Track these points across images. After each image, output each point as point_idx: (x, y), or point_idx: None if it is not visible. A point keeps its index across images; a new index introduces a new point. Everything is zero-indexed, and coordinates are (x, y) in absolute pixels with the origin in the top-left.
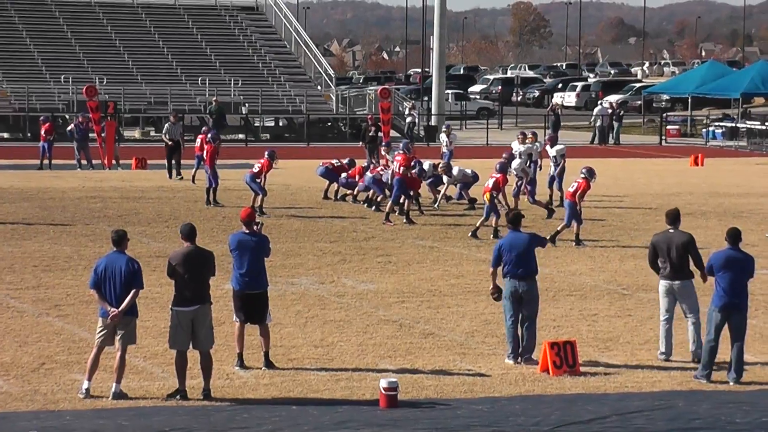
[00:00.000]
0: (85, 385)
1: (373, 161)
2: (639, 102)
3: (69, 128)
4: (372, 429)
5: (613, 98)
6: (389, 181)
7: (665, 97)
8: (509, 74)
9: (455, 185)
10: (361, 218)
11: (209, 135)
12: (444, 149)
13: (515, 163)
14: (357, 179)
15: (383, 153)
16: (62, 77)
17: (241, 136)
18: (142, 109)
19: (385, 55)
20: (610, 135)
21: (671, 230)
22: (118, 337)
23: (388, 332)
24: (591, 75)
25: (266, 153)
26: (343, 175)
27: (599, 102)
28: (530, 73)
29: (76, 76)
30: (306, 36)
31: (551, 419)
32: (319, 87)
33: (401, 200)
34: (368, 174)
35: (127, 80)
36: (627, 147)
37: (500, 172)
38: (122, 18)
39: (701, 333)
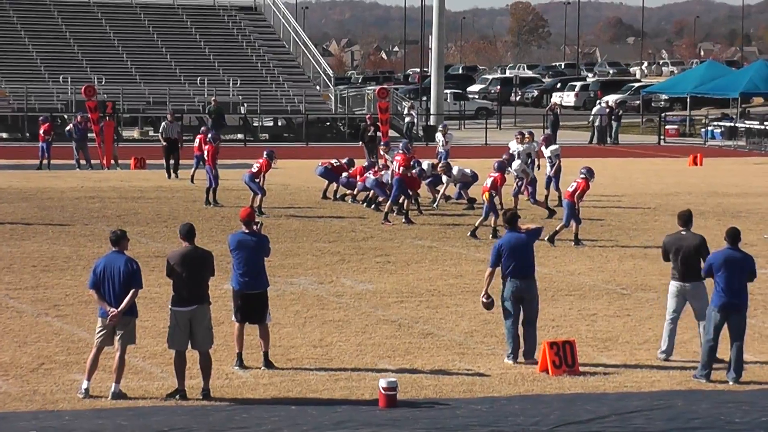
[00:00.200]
0: (85, 385)
1: (373, 161)
2: (638, 102)
3: (68, 128)
4: (371, 429)
5: (612, 98)
6: (389, 182)
7: (664, 96)
8: (508, 74)
9: (454, 185)
10: (359, 218)
11: (209, 135)
12: (440, 149)
13: (515, 164)
14: (358, 179)
15: (382, 153)
16: (61, 77)
17: (239, 136)
18: (140, 109)
19: (384, 55)
20: (608, 135)
21: (683, 232)
22: (117, 337)
23: (387, 332)
24: (590, 75)
25: (265, 153)
26: (344, 174)
27: (598, 102)
28: (529, 73)
29: (74, 76)
30: (304, 36)
31: (550, 419)
32: (317, 87)
33: (400, 200)
34: (371, 176)
35: (126, 80)
36: (626, 147)
37: (498, 171)
38: (121, 18)
39: None
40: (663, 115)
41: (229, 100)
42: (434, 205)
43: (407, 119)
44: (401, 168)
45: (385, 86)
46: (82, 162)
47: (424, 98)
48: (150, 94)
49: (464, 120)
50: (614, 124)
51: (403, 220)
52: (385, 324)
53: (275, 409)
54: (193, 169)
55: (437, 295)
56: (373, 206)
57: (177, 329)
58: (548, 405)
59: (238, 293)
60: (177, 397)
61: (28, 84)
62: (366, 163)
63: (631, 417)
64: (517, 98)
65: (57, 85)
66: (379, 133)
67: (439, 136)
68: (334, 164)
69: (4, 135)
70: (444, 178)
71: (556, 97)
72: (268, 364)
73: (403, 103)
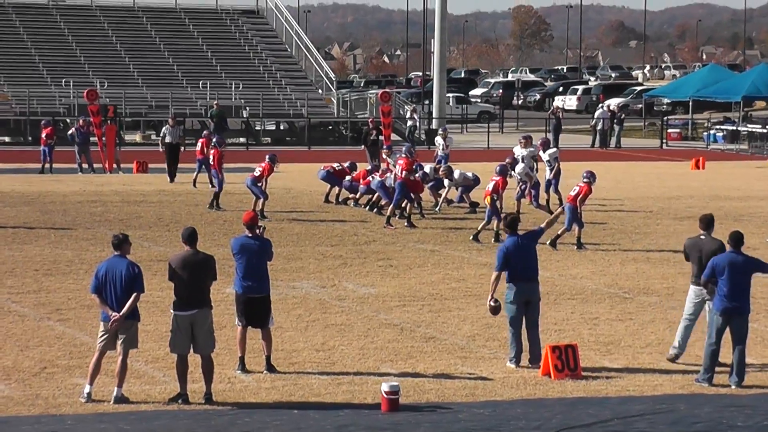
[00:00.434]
0: (87, 389)
1: (376, 164)
2: (640, 105)
3: (70, 132)
4: None
5: (614, 102)
6: (392, 185)
7: (666, 100)
8: (510, 77)
9: (456, 189)
10: (362, 222)
11: (215, 139)
12: (440, 152)
13: (519, 168)
14: (360, 183)
15: (384, 157)
16: (63, 81)
17: (242, 139)
18: (143, 112)
19: (386, 59)
20: (609, 138)
21: (703, 236)
22: (119, 342)
23: (389, 336)
24: (592, 78)
25: (267, 157)
26: (347, 177)
27: (600, 105)
28: (531, 77)
29: (77, 79)
30: (307, 39)
31: (552, 423)
32: (320, 90)
33: (403, 204)
34: (377, 178)
35: (128, 84)
36: (628, 150)
37: (500, 174)
38: (123, 21)
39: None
40: (665, 118)
41: (231, 104)
42: (436, 209)
43: (409, 123)
44: (404, 172)
45: (388, 90)
46: (85, 166)
47: (427, 102)
48: (152, 97)
49: (466, 124)
50: (616, 127)
51: (406, 224)
52: (387, 328)
53: (277, 413)
54: (195, 173)
55: (439, 299)
56: (375, 210)
57: (178, 333)
58: (550, 409)
59: (241, 297)
60: (179, 401)
61: (30, 88)
62: (369, 167)
63: (634, 421)
64: (520, 102)
65: (59, 89)
66: (381, 137)
67: (438, 139)
68: (337, 168)
69: (7, 139)
70: (446, 181)
71: (558, 101)
72: (271, 368)
73: (406, 106)
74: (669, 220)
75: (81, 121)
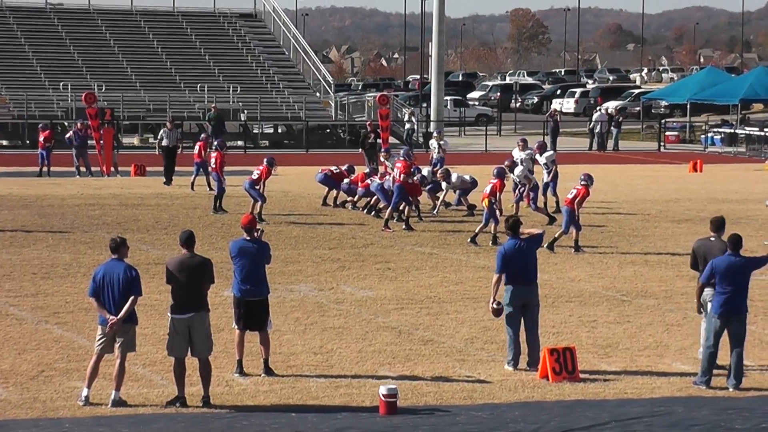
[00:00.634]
0: (85, 392)
1: (374, 168)
2: (638, 108)
3: (68, 135)
4: None
5: (612, 104)
6: (390, 188)
7: (664, 103)
8: (508, 80)
9: (454, 191)
10: (359, 225)
11: (216, 142)
12: (434, 155)
13: (518, 170)
14: (359, 186)
15: (382, 160)
16: (61, 84)
17: (239, 142)
18: (140, 116)
19: (384, 62)
20: (607, 141)
21: (713, 238)
22: (117, 345)
23: (387, 339)
24: (590, 81)
25: (265, 160)
26: (345, 180)
27: (597, 108)
28: (529, 80)
29: (74, 83)
30: (304, 43)
31: (551, 426)
32: (317, 94)
33: (401, 207)
34: (375, 181)
35: (126, 87)
36: (626, 153)
37: (497, 177)
38: (121, 25)
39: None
40: (663, 121)
41: (229, 107)
42: (434, 212)
43: (407, 126)
44: (402, 175)
45: (386, 93)
46: (82, 169)
47: (425, 105)
48: (150, 101)
49: (464, 127)
50: (614, 130)
51: (404, 227)
52: (385, 331)
53: (275, 416)
54: (193, 176)
55: (437, 302)
56: (373, 213)
57: (176, 336)
58: (548, 412)
59: (239, 300)
60: (177, 404)
61: (28, 91)
62: (367, 170)
63: (632, 424)
64: (517, 105)
65: (57, 93)
66: (379, 140)
67: (433, 142)
68: (334, 171)
69: (4, 142)
70: (443, 184)
71: (556, 104)
72: (269, 371)
73: (404, 109)
74: (667, 222)
75: (79, 125)
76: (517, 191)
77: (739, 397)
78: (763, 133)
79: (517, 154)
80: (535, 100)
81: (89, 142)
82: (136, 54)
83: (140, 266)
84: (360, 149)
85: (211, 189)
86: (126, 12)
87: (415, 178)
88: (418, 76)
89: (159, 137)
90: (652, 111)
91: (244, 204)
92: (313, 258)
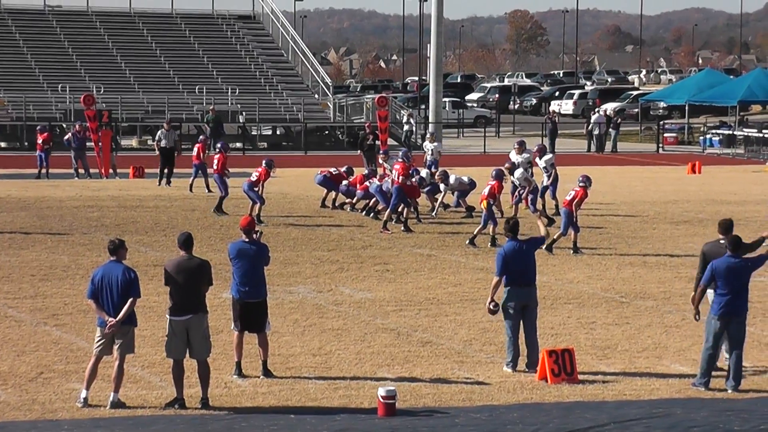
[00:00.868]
0: (83, 394)
1: (372, 169)
2: (636, 110)
3: (66, 137)
4: None
5: (611, 106)
6: (389, 190)
7: (662, 104)
8: (506, 82)
9: (452, 193)
10: (358, 227)
11: (219, 145)
12: (428, 157)
13: (518, 173)
14: (357, 187)
15: (381, 161)
16: (59, 86)
17: (238, 144)
18: (139, 117)
19: (382, 64)
20: (605, 142)
21: (722, 240)
22: (116, 347)
23: (386, 340)
24: (588, 83)
25: (264, 162)
26: (344, 182)
27: (596, 110)
28: (527, 81)
29: (73, 85)
30: (303, 45)
31: (549, 427)
32: (316, 95)
33: (399, 208)
34: (375, 182)
35: (124, 89)
36: (624, 155)
37: (496, 179)
38: (119, 27)
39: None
40: (661, 123)
41: (227, 109)
42: (433, 214)
43: (406, 128)
44: (401, 176)
45: (384, 95)
46: (81, 171)
47: (423, 107)
48: (148, 103)
49: (463, 128)
50: (613, 132)
51: (402, 229)
52: (384, 332)
53: (274, 417)
54: (191, 178)
55: (436, 304)
56: (371, 215)
57: (174, 338)
58: (547, 413)
59: (238, 302)
60: (176, 406)
61: (26, 93)
62: (366, 171)
63: (630, 425)
64: (516, 106)
65: (55, 95)
66: (378, 142)
67: (427, 144)
68: (333, 173)
69: (3, 144)
70: (442, 186)
71: (554, 105)
72: (267, 373)
73: (402, 111)
74: (665, 224)
75: (77, 126)
76: (516, 193)
77: (738, 399)
78: (761, 135)
79: (514, 157)
80: (534, 101)
81: (88, 143)
82: (134, 56)
83: (139, 268)
84: (359, 151)
85: (210, 191)
86: (125, 14)
87: (414, 179)
88: (416, 78)
89: (156, 138)
90: (651, 112)
91: (243, 206)
92: (312, 259)
